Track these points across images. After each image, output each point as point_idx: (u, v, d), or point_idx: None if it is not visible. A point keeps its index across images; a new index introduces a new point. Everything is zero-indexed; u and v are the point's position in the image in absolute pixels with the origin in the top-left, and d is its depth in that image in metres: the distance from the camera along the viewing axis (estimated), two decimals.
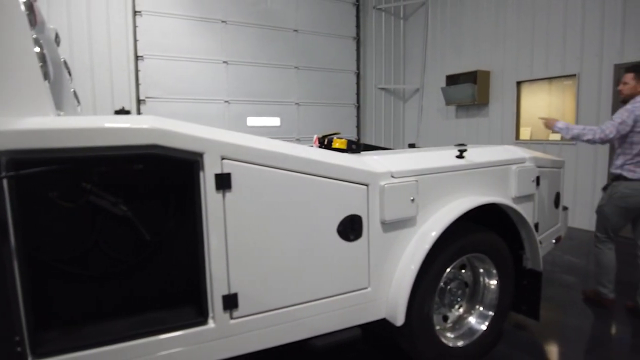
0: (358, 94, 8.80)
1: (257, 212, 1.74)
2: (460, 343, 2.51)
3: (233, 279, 1.72)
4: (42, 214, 1.60)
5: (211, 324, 1.70)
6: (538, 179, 2.81)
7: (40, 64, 1.60)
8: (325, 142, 3.41)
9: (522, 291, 2.80)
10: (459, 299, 2.59)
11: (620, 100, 3.32)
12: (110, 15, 6.35)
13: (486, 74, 7.38)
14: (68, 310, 1.68)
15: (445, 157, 2.40)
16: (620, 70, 5.50)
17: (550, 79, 6.52)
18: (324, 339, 1.95)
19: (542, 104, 6.71)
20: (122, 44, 6.44)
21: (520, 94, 6.99)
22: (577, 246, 5.17)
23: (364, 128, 8.97)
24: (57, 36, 3.09)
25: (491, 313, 2.63)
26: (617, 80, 5.45)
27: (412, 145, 3.99)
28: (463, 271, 2.61)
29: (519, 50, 6.89)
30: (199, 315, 1.70)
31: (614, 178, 3.27)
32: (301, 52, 7.99)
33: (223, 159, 1.65)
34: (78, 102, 3.45)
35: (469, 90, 7.39)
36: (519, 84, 6.96)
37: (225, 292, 1.71)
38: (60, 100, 2.86)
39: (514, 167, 2.63)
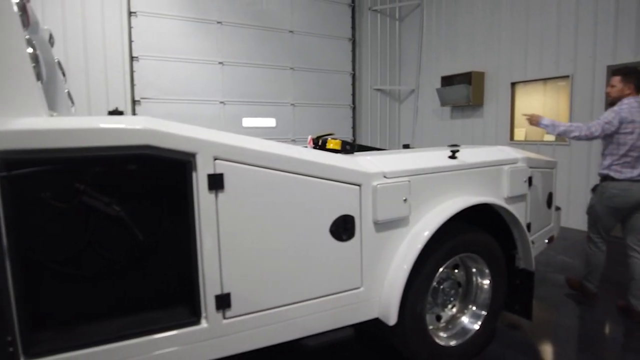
0: (354, 95, 8.83)
1: (250, 212, 1.75)
2: (453, 342, 2.52)
3: (226, 279, 1.72)
4: (35, 214, 1.60)
5: (204, 323, 1.71)
6: (530, 179, 2.83)
7: (33, 64, 1.60)
8: (319, 143, 3.43)
9: (515, 291, 2.82)
10: (451, 299, 2.60)
11: (608, 103, 3.40)
12: (105, 16, 6.34)
13: (481, 75, 7.42)
14: (61, 311, 1.68)
15: (437, 157, 2.42)
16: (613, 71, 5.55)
17: (544, 80, 6.56)
18: (316, 338, 1.96)
19: (536, 105, 6.75)
20: (117, 45, 6.44)
21: (515, 95, 7.03)
22: (571, 246, 5.21)
23: (359, 129, 8.99)
24: (51, 37, 3.09)
25: (484, 313, 2.64)
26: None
27: (406, 146, 4.01)
28: (456, 271, 2.62)
29: (513, 52, 6.93)
30: (192, 315, 1.71)
31: (602, 178, 3.34)
32: (297, 53, 8.01)
33: (216, 159, 1.66)
34: (72, 102, 3.44)
35: (464, 91, 7.43)
36: (513, 85, 7.00)
37: (218, 292, 1.71)
38: (54, 100, 2.86)
39: (506, 167, 2.65)
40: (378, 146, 8.98)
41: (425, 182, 2.25)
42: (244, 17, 7.42)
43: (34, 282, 1.63)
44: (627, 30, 5.42)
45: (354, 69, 8.75)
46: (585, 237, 3.69)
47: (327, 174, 1.91)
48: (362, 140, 8.95)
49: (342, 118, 8.74)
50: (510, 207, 2.55)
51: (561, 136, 3.39)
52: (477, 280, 2.68)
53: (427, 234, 2.16)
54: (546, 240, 3.28)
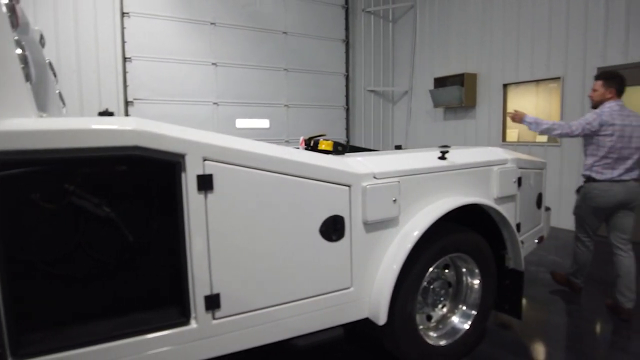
0: (347, 96, 8.85)
1: (240, 212, 1.75)
2: (443, 342, 2.54)
3: (215, 279, 1.73)
4: (24, 215, 1.60)
5: (193, 324, 1.71)
6: (520, 179, 2.86)
7: (22, 65, 1.60)
8: (311, 144, 3.44)
9: (505, 290, 2.84)
10: (442, 299, 2.62)
11: (591, 106, 3.49)
12: (98, 17, 6.32)
13: (473, 77, 7.46)
14: (50, 311, 1.68)
15: (427, 158, 2.44)
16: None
17: (536, 81, 6.62)
18: (306, 338, 1.97)
19: (529, 106, 6.80)
20: (109, 46, 6.42)
21: (507, 96, 7.08)
22: (562, 246, 5.25)
23: (353, 130, 9.01)
24: (41, 37, 3.09)
25: (474, 312, 2.67)
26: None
27: (398, 147, 4.03)
28: (446, 271, 2.64)
29: (505, 54, 6.99)
30: (181, 316, 1.71)
31: (586, 180, 3.43)
32: (290, 54, 8.01)
33: (205, 160, 1.66)
34: (63, 103, 3.44)
35: (457, 93, 7.47)
36: (505, 86, 7.05)
37: (208, 293, 1.72)
38: (44, 101, 2.85)
39: (495, 168, 2.67)
40: (372, 147, 9.01)
41: (414, 182, 2.27)
42: (237, 18, 7.42)
43: (22, 283, 1.62)
44: (617, 33, 5.49)
45: (347, 70, 8.77)
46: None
47: (317, 175, 1.92)
48: (356, 142, 8.97)
49: (335, 119, 8.76)
50: (500, 208, 2.58)
51: (543, 134, 3.52)
52: (467, 280, 2.70)
53: (416, 233, 2.17)
54: (536, 240, 3.31)
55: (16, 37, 1.70)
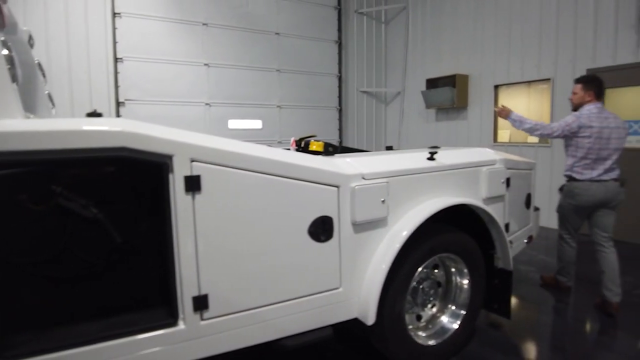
0: (340, 97, 8.86)
1: (228, 213, 1.76)
2: (433, 342, 2.56)
3: (203, 280, 1.73)
4: (11, 216, 1.59)
5: (181, 325, 1.71)
6: (508, 180, 2.88)
7: (8, 66, 1.60)
8: (302, 145, 3.46)
9: (494, 290, 2.86)
10: (431, 299, 2.64)
11: (572, 109, 3.60)
12: (89, 17, 6.28)
13: (465, 78, 7.51)
14: (38, 313, 1.67)
15: (416, 159, 2.46)
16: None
17: (528, 83, 6.67)
18: (295, 339, 1.97)
19: (520, 107, 6.85)
20: (100, 46, 6.38)
21: (498, 97, 7.13)
22: (552, 246, 5.28)
23: (346, 131, 9.03)
24: (30, 38, 3.07)
25: (463, 312, 2.68)
26: None
27: (389, 148, 4.05)
28: (436, 271, 2.66)
29: (496, 55, 7.04)
30: (170, 317, 1.71)
31: (568, 179, 3.54)
32: (283, 55, 8.01)
33: (192, 161, 1.66)
34: (52, 104, 3.41)
35: (448, 94, 7.51)
36: (496, 87, 7.10)
37: (196, 294, 1.72)
38: (32, 102, 2.83)
39: (484, 169, 2.69)
40: (364, 148, 9.03)
41: (403, 183, 2.29)
42: (229, 18, 7.40)
43: (9, 284, 1.61)
44: (606, 35, 5.55)
45: (340, 71, 8.79)
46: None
47: (305, 176, 1.93)
48: (349, 142, 8.98)
49: (328, 120, 8.77)
50: (488, 208, 2.60)
51: (526, 132, 3.68)
52: (456, 280, 2.72)
53: (405, 234, 2.19)
54: (525, 240, 3.34)
55: (2, 38, 1.69)
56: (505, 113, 3.69)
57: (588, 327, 3.18)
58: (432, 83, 8.00)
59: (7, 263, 1.59)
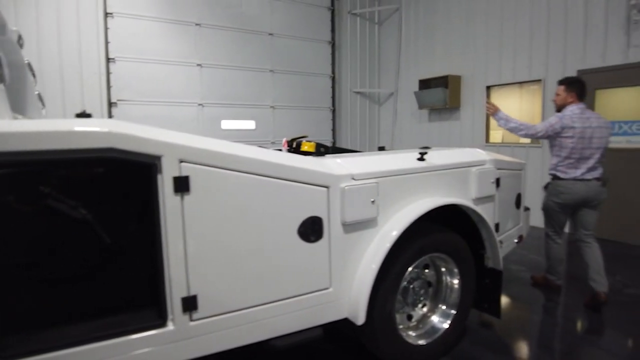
0: (333, 97, 8.87)
1: (217, 214, 1.76)
2: (423, 341, 2.57)
3: (192, 281, 1.73)
4: None
5: (170, 326, 1.71)
6: (498, 180, 2.91)
7: None
8: (294, 145, 3.46)
9: (484, 290, 2.89)
10: (422, 298, 2.65)
11: (555, 110, 3.72)
12: (81, 17, 6.25)
13: (457, 79, 7.55)
14: (26, 314, 1.66)
15: (406, 159, 2.47)
16: (583, 75, 5.73)
17: (520, 83, 6.72)
18: (285, 339, 1.98)
19: (513, 108, 6.90)
20: (92, 46, 6.35)
21: (490, 98, 7.17)
22: (543, 245, 5.31)
23: (339, 131, 9.04)
24: (20, 38, 3.05)
25: (453, 312, 2.70)
26: None
27: (381, 148, 4.07)
28: (427, 271, 2.67)
29: (488, 56, 7.09)
30: (158, 318, 1.71)
31: (552, 177, 3.65)
32: (276, 55, 8.01)
33: (181, 162, 1.66)
34: (43, 104, 3.39)
35: (441, 95, 7.55)
36: (488, 88, 7.14)
37: (185, 294, 1.72)
38: (22, 103, 2.82)
39: (474, 169, 2.71)
40: (358, 149, 9.05)
41: (393, 183, 2.30)
42: (223, 19, 7.39)
43: None
44: (595, 36, 5.61)
45: (333, 71, 8.80)
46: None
47: (295, 176, 1.93)
48: (342, 143, 9.00)
49: (322, 121, 8.78)
50: (478, 208, 2.62)
51: (510, 131, 3.78)
52: (447, 279, 2.73)
53: (395, 233, 2.20)
54: (515, 240, 3.36)
55: None
56: (493, 110, 3.82)
57: (578, 325, 3.21)
58: (424, 84, 8.04)
59: None
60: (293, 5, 8.14)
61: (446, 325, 2.67)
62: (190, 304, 1.73)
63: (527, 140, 6.57)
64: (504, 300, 3.66)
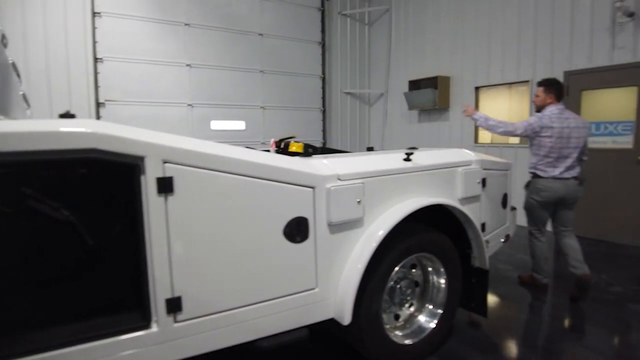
0: (324, 98, 8.88)
1: (201, 215, 1.75)
2: (410, 341, 2.58)
3: (177, 282, 1.72)
4: None
5: (154, 327, 1.70)
6: (484, 180, 2.93)
7: None
8: (282, 146, 3.45)
9: (471, 289, 2.90)
10: (408, 298, 2.67)
11: (535, 111, 3.83)
12: (68, 16, 6.19)
13: (446, 80, 7.60)
14: (8, 317, 1.64)
15: (392, 160, 2.48)
16: (570, 76, 5.80)
17: (509, 84, 6.78)
18: (271, 340, 1.97)
19: (502, 108, 6.97)
20: (80, 46, 6.30)
21: (479, 98, 7.23)
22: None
23: (330, 132, 9.05)
24: (4, 37, 3.01)
25: (440, 311, 2.72)
26: (567, 86, 5.76)
27: (370, 149, 4.07)
28: (414, 270, 2.69)
29: (477, 58, 7.15)
30: (142, 320, 1.70)
31: (532, 176, 3.76)
32: (266, 55, 8.00)
33: (165, 162, 1.66)
34: (28, 105, 3.36)
35: (430, 95, 7.59)
36: (477, 89, 7.20)
37: (169, 296, 1.71)
38: (6, 103, 2.79)
39: (459, 169, 2.73)
40: (348, 149, 9.07)
41: (379, 184, 2.31)
42: (212, 19, 7.37)
43: None
44: (582, 38, 5.68)
45: (323, 72, 8.81)
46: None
47: (280, 177, 1.93)
48: (333, 144, 9.01)
49: (312, 121, 8.78)
50: (464, 208, 2.64)
51: (489, 130, 3.87)
52: (433, 279, 2.75)
53: (381, 233, 2.21)
54: (502, 240, 3.39)
55: None
56: (470, 111, 3.94)
57: (563, 324, 3.25)
58: (414, 84, 8.08)
59: None
60: (283, 5, 8.14)
61: (433, 325, 2.69)
62: (174, 305, 1.72)
63: (516, 140, 6.64)
64: (492, 299, 3.69)
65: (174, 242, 1.70)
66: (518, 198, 4.69)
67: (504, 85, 6.87)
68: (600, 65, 5.48)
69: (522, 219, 4.05)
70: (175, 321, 1.74)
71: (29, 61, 5.91)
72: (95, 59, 6.43)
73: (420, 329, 2.67)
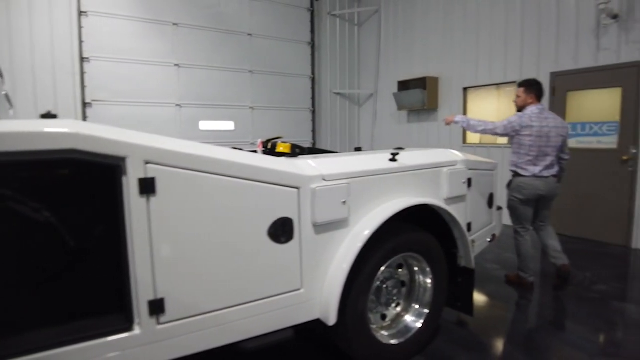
0: (313, 98, 8.88)
1: (184, 216, 1.74)
2: (396, 340, 2.59)
3: (159, 284, 1.71)
4: None
5: (137, 330, 1.69)
6: (470, 180, 2.95)
7: None
8: (269, 146, 3.45)
9: (457, 288, 2.92)
10: (395, 298, 2.67)
11: (517, 111, 3.91)
12: (54, 16, 6.12)
13: (435, 80, 7.64)
14: None
15: (378, 160, 2.49)
16: (556, 77, 5.87)
17: (497, 85, 6.84)
18: (255, 341, 1.97)
19: (490, 109, 7.03)
20: (66, 45, 6.22)
21: (467, 99, 7.29)
22: None
23: (319, 132, 9.05)
24: None
25: (427, 311, 2.73)
26: (553, 87, 5.83)
27: (358, 149, 4.08)
28: (400, 270, 2.69)
29: (465, 59, 7.20)
30: (125, 322, 1.69)
31: (513, 175, 3.87)
32: (255, 56, 7.98)
33: (147, 163, 1.64)
34: (11, 105, 3.32)
35: (419, 96, 7.63)
36: (465, 90, 7.25)
37: (151, 298, 1.69)
38: None
39: (445, 169, 2.75)
40: (338, 150, 9.08)
41: (364, 184, 2.31)
42: (200, 19, 7.33)
43: None
44: (567, 40, 5.75)
45: (313, 72, 8.81)
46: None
47: (264, 178, 1.92)
48: (322, 144, 9.01)
49: (301, 122, 8.77)
50: (450, 208, 2.65)
51: (471, 131, 3.97)
52: (420, 279, 2.76)
53: (366, 233, 2.21)
54: (488, 239, 3.42)
55: None
56: (449, 120, 4.07)
57: (549, 322, 3.28)
58: (403, 85, 8.11)
59: None
60: (272, 5, 8.12)
61: (419, 325, 2.70)
62: (157, 307, 1.71)
63: (504, 141, 6.68)
64: (479, 298, 3.72)
65: (157, 243, 1.69)
66: (504, 198, 4.74)
67: (492, 86, 6.93)
68: (586, 67, 5.55)
69: (508, 219, 4.08)
70: (159, 323, 1.72)
71: (14, 61, 5.83)
72: (82, 59, 6.36)
73: (407, 328, 2.68)
